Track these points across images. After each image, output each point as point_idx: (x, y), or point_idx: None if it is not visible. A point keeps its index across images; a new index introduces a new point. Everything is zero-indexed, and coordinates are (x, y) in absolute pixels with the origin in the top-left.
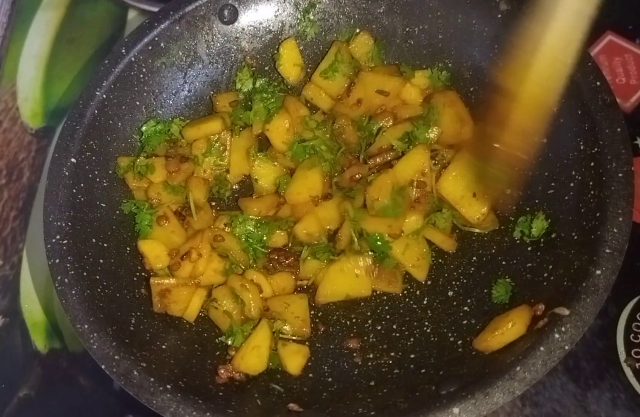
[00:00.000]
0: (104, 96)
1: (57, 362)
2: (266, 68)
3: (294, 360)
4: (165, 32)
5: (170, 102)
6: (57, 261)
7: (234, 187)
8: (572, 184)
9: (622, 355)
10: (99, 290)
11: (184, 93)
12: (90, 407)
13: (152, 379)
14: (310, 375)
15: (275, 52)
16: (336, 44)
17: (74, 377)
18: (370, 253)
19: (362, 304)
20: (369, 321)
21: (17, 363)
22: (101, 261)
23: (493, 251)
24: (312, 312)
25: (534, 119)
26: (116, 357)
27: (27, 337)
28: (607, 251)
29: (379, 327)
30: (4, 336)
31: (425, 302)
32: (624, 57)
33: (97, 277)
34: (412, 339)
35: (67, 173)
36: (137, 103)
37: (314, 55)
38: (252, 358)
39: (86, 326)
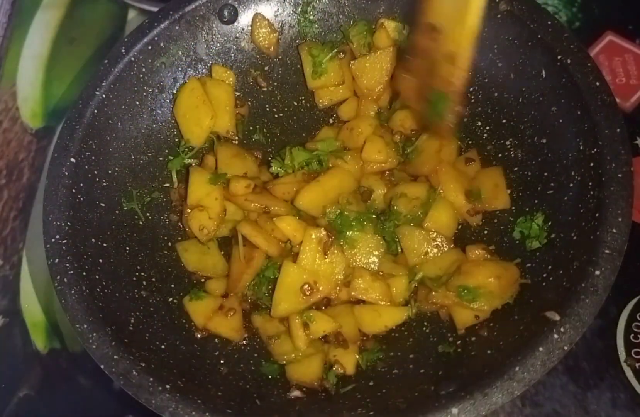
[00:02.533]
0: (104, 96)
1: (57, 362)
2: (266, 68)
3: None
4: (165, 32)
5: (170, 102)
6: (57, 260)
7: None
8: (571, 185)
9: (622, 355)
10: (98, 290)
11: None
12: (90, 407)
13: (151, 379)
14: None
15: None
16: (302, 49)
17: (74, 377)
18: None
19: None
20: None
21: (17, 363)
22: (100, 260)
23: (492, 251)
24: None
25: (460, 43)
26: (115, 357)
27: (27, 337)
28: (607, 251)
29: None
30: (4, 336)
31: None
32: (624, 57)
33: (97, 277)
34: (411, 339)
35: (66, 173)
36: (137, 103)
37: None
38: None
39: (85, 326)
